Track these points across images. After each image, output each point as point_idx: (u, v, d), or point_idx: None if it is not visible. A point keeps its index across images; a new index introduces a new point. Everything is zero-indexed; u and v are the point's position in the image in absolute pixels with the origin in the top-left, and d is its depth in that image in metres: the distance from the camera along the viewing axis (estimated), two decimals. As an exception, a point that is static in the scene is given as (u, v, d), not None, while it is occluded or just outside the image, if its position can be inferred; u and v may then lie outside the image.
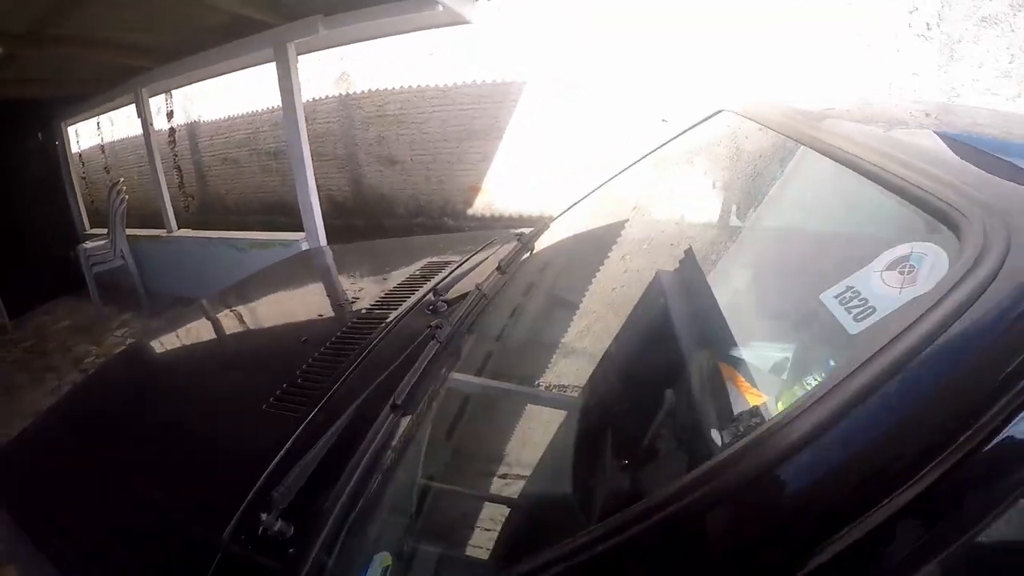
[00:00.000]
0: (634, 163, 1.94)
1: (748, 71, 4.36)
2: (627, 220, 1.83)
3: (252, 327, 1.95)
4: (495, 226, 5.74)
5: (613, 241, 1.73)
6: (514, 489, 1.18)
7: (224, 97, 7.19)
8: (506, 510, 1.12)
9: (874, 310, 0.64)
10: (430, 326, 1.36)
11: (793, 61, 4.25)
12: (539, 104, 5.28)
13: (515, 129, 5.48)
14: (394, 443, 1.07)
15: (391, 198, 6.43)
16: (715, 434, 0.84)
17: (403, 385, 1.17)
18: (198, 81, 5.67)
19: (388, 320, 1.62)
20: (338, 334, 1.59)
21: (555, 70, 5.11)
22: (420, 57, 5.61)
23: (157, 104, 7.69)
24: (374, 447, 1.04)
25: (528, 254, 1.86)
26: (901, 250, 0.67)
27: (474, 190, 5.87)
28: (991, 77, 4.39)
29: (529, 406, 1.38)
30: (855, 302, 0.66)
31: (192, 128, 7.88)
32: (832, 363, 0.81)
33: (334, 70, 6.24)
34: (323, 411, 1.24)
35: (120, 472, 1.26)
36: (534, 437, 1.33)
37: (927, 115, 1.33)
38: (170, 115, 7.95)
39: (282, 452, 1.08)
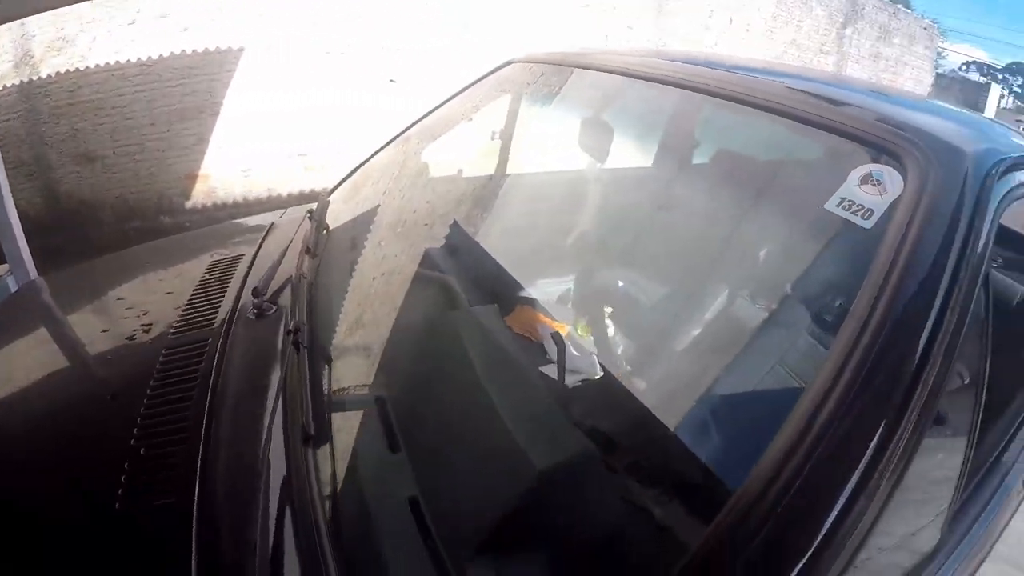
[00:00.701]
0: (417, 121, 1.93)
1: (478, 33, 4.48)
2: (426, 178, 1.84)
3: (21, 409, 1.28)
4: (220, 217, 5.05)
5: (410, 202, 1.72)
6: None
7: None
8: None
9: (871, 213, 0.82)
10: (289, 332, 1.17)
11: (516, 23, 4.48)
12: (267, 70, 4.80)
13: (236, 103, 4.89)
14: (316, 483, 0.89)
15: (94, 203, 5.15)
16: None
17: (307, 411, 0.98)
18: None
19: (213, 340, 1.30)
20: (156, 375, 1.21)
21: (288, 31, 4.70)
22: (118, 26, 4.61)
23: None
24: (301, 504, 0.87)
25: (326, 231, 1.72)
26: (864, 170, 0.86)
27: (191, 179, 5.08)
28: (694, 29, 5.18)
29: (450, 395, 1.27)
30: (855, 208, 0.83)
31: None
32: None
33: (13, 51, 4.79)
34: (209, 483, 0.94)
35: None
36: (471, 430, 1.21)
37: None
38: None
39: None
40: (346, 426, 1.09)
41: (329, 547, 0.80)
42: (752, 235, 1.42)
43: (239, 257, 1.72)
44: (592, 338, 1.51)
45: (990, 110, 16.13)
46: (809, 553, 0.60)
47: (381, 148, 2.01)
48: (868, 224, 0.81)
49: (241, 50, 4.70)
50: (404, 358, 1.24)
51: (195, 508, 0.89)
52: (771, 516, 0.62)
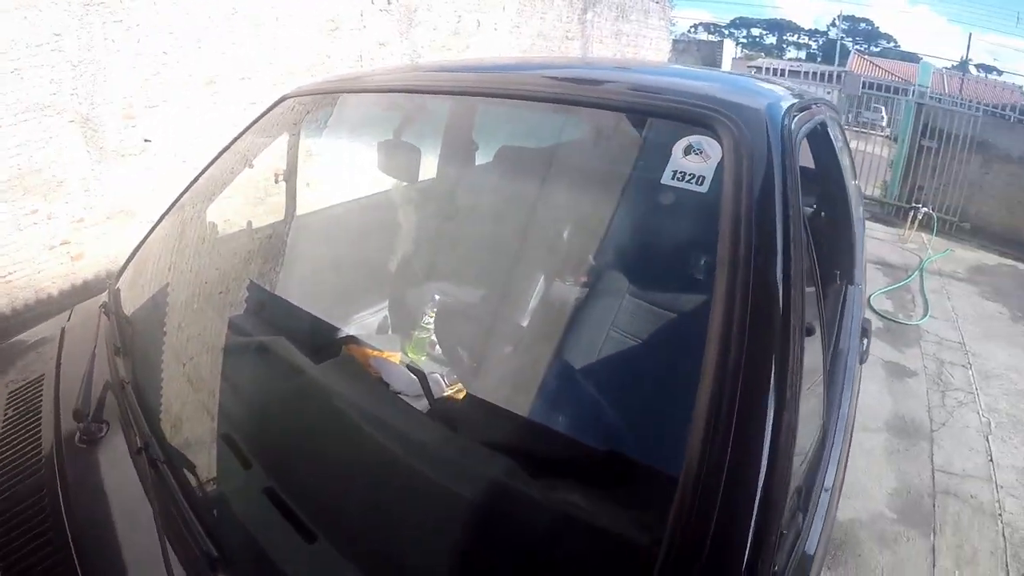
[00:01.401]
0: (195, 180, 1.78)
1: (228, 81, 4.21)
2: (212, 241, 1.70)
3: None
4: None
5: (198, 272, 1.57)
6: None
7: None
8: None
9: (703, 179, 0.89)
10: (139, 449, 1.01)
11: (266, 61, 4.29)
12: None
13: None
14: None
15: None
16: None
17: (199, 535, 0.87)
18: None
19: (49, 489, 1.05)
20: None
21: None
22: None
23: None
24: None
25: (128, 323, 1.49)
26: (684, 143, 0.92)
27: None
28: (444, 36, 5.30)
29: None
30: (688, 177, 0.90)
31: None
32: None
33: None
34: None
35: None
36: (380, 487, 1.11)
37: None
38: None
39: None
40: (251, 539, 0.93)
41: None
42: (550, 219, 1.50)
43: (40, 379, 1.41)
44: (424, 357, 1.51)
45: (727, 63, 18.47)
46: (763, 474, 0.65)
47: (162, 217, 1.80)
48: (704, 188, 0.89)
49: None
50: (274, 439, 1.12)
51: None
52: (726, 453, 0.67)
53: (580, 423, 1.07)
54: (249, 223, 1.89)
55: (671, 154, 0.92)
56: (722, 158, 0.89)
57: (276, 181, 1.88)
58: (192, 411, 1.20)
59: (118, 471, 1.06)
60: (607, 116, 1.21)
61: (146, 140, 4.01)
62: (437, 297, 1.57)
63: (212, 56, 3.96)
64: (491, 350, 1.42)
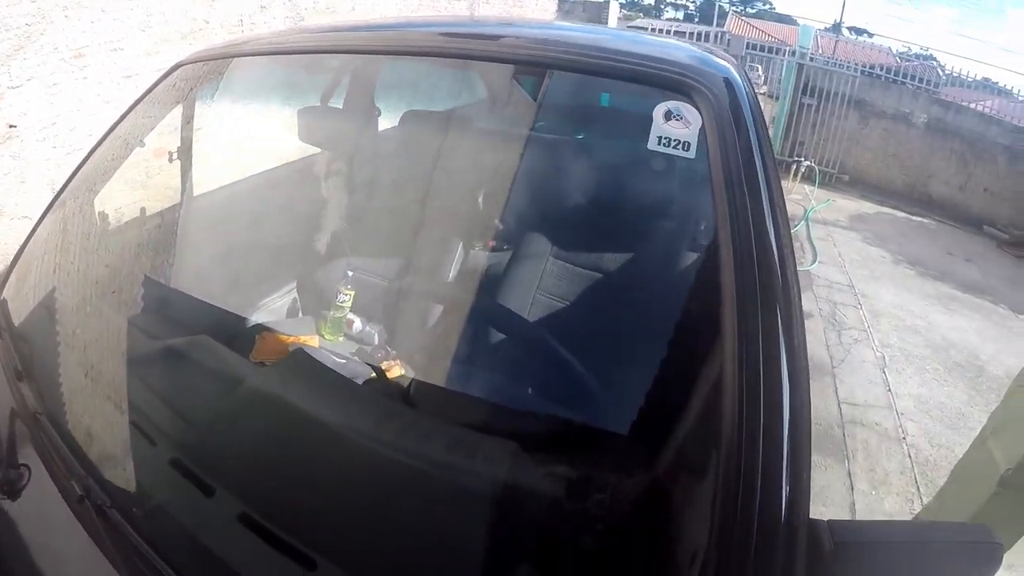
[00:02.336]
0: (79, 168, 1.60)
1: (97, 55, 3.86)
2: (99, 236, 1.53)
3: None
4: None
5: (86, 273, 1.39)
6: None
7: None
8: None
9: (688, 145, 0.88)
10: (81, 497, 0.83)
11: (142, 32, 3.96)
12: None
13: None
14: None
15: None
16: None
17: None
18: None
19: None
20: None
21: None
22: None
23: None
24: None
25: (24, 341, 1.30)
26: (663, 108, 0.91)
27: None
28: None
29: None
30: (673, 143, 0.89)
31: None
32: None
33: None
34: None
35: None
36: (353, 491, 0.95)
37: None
38: None
39: None
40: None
41: None
42: (463, 183, 1.46)
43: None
44: (342, 338, 1.45)
45: (613, 22, 18.65)
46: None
47: (44, 214, 1.58)
48: (691, 154, 0.89)
49: None
50: (228, 455, 0.95)
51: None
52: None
53: (526, 391, 1.05)
54: (143, 210, 1.74)
55: (652, 120, 0.92)
56: (702, 124, 0.89)
57: (170, 160, 1.72)
58: (128, 438, 0.96)
59: (58, 527, 0.85)
60: (526, 73, 1.18)
61: (11, 126, 3.62)
62: (350, 273, 1.50)
63: (81, 26, 3.60)
64: (415, 323, 1.38)
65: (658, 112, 0.92)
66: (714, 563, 0.57)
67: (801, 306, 0.74)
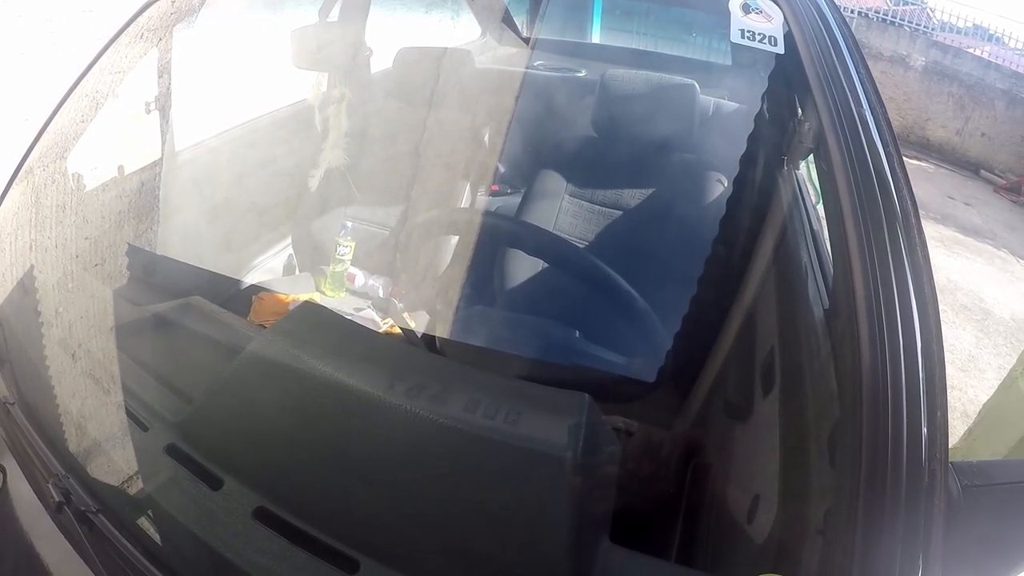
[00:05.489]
0: (44, 128, 1.46)
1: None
2: (77, 200, 1.41)
3: None
4: None
5: (64, 246, 1.27)
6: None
7: None
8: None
9: (775, 40, 0.81)
10: (60, 504, 0.67)
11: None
12: None
13: None
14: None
15: None
16: None
17: None
18: None
19: None
20: None
21: None
22: None
23: None
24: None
25: None
26: (738, 1, 0.84)
27: None
28: None
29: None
30: (758, 35, 0.82)
31: None
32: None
33: None
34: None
35: None
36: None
37: None
38: None
39: None
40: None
41: None
42: (465, 123, 1.36)
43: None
44: (344, 293, 1.36)
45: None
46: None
47: (8, 185, 1.44)
48: (779, 49, 0.81)
49: None
50: (236, 439, 0.77)
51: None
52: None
53: (577, 332, 0.94)
54: (120, 169, 1.61)
55: (728, 11, 0.84)
56: (785, 19, 0.82)
57: (148, 112, 1.59)
58: (117, 423, 0.81)
59: (39, 538, 0.72)
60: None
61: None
62: (349, 225, 1.40)
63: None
64: (427, 274, 1.28)
65: (735, 4, 0.85)
66: (863, 510, 0.49)
67: (922, 228, 0.63)
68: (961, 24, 7.91)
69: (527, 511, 0.61)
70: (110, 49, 1.42)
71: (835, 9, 0.88)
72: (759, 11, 0.84)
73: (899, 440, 0.49)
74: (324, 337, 0.78)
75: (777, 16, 0.83)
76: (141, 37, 1.41)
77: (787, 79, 0.85)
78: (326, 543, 0.61)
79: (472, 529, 0.62)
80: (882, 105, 0.73)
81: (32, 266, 1.16)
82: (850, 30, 0.86)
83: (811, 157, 0.78)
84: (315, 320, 0.84)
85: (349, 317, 1.08)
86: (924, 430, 0.49)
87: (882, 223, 0.59)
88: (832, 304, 0.66)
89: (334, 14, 1.54)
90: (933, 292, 0.56)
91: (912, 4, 8.70)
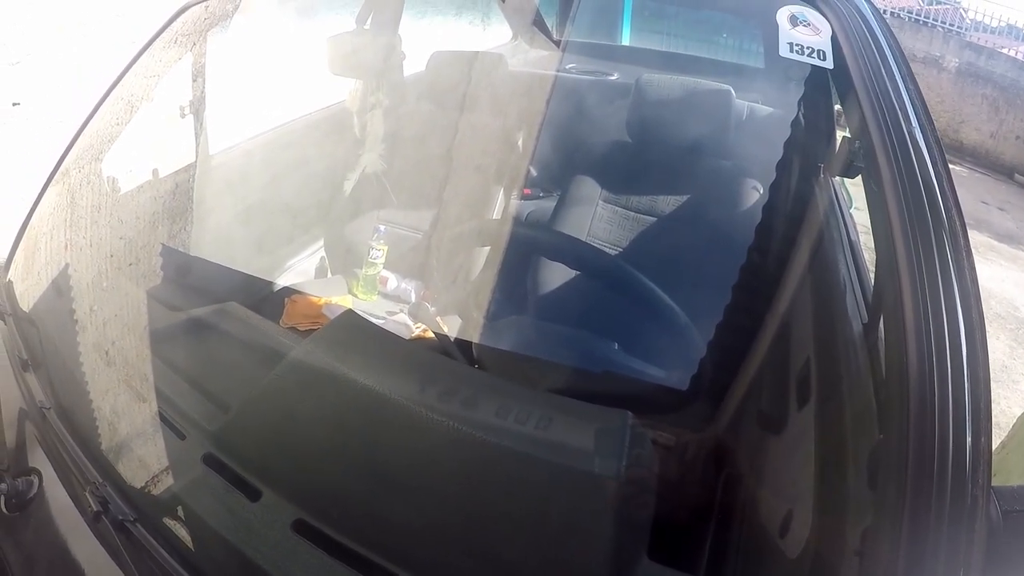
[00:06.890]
0: (82, 130, 1.48)
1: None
2: (112, 203, 1.43)
3: None
4: None
5: (99, 246, 1.28)
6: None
7: None
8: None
9: (824, 54, 0.81)
10: (98, 512, 0.67)
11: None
12: None
13: None
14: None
15: None
16: None
17: None
18: None
19: None
20: None
21: None
22: None
23: None
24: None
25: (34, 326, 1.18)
26: (787, 12, 0.84)
27: None
28: None
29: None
30: (807, 49, 0.81)
31: None
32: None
33: None
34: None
35: None
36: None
37: None
38: None
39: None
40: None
41: None
42: (499, 127, 1.35)
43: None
44: (376, 296, 1.36)
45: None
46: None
47: (45, 188, 1.46)
48: (828, 64, 0.80)
49: None
50: (279, 448, 0.76)
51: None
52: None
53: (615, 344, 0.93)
54: (155, 172, 1.63)
55: (776, 24, 0.84)
56: (833, 33, 0.81)
57: (183, 116, 1.61)
58: (155, 432, 0.79)
59: (75, 546, 0.71)
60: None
61: (15, 104, 3.54)
62: (382, 228, 1.40)
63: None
64: (459, 278, 1.28)
65: (782, 16, 0.84)
66: (907, 533, 0.47)
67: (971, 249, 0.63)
68: (995, 24, 7.71)
69: (570, 530, 0.62)
70: (145, 54, 1.44)
71: (881, 20, 0.87)
72: (807, 23, 0.83)
73: (944, 464, 0.49)
74: (365, 348, 0.79)
75: (825, 29, 0.82)
76: (176, 42, 1.43)
77: (825, 88, 0.84)
78: (366, 557, 0.61)
79: (513, 547, 0.62)
80: (931, 121, 0.73)
81: (67, 264, 1.18)
82: (897, 41, 0.85)
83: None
84: (355, 331, 0.83)
85: (382, 323, 1.08)
86: (968, 455, 0.49)
87: (931, 245, 0.59)
88: (871, 319, 0.65)
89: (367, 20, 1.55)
90: (981, 316, 0.56)
91: (944, 4, 8.52)
